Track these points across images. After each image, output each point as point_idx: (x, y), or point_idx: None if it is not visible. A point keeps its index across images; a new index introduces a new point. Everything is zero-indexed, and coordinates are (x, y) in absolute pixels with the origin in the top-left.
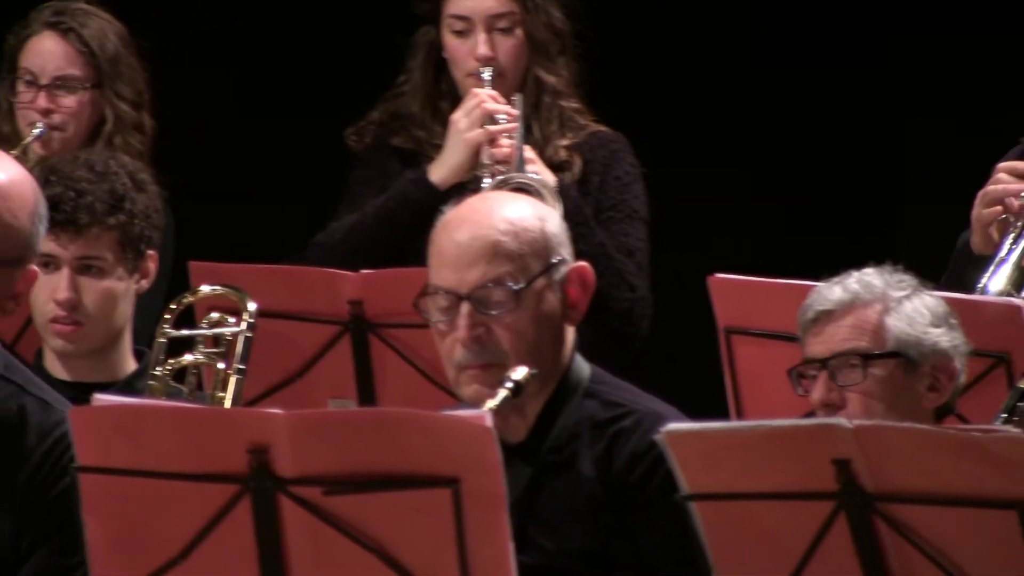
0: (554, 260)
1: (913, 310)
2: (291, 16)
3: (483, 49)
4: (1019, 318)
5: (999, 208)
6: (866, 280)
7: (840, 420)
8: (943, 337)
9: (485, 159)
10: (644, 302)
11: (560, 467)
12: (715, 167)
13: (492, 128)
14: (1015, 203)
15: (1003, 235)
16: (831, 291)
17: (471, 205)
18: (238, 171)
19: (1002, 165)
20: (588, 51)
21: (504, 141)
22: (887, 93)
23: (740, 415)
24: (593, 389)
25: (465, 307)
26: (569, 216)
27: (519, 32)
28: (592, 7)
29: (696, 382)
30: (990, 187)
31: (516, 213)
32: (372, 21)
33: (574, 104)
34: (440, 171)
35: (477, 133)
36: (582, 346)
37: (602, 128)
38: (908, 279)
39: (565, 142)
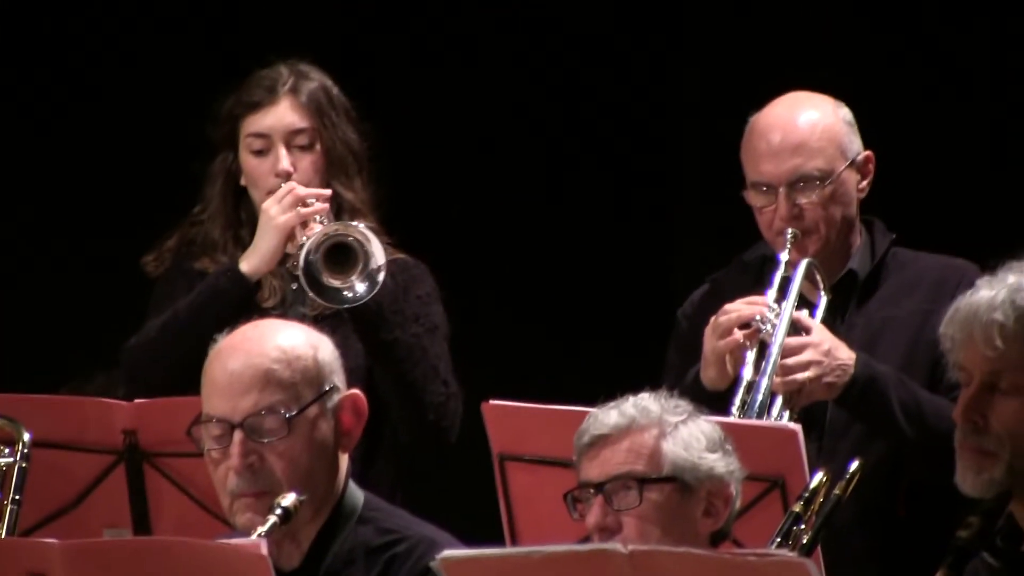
0: (327, 388)
1: (689, 435)
2: (88, 138)
3: (283, 164)
4: (794, 442)
5: (736, 337)
6: (642, 405)
7: (616, 544)
8: (719, 462)
9: (298, 244)
10: (457, 399)
11: None
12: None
13: (304, 211)
14: (751, 327)
15: (738, 362)
16: (608, 415)
17: (243, 333)
18: (23, 295)
19: (730, 305)
20: (383, 174)
21: (315, 226)
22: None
23: (515, 541)
24: (367, 515)
25: (238, 435)
26: (385, 306)
27: (318, 148)
28: (388, 133)
29: (470, 508)
30: (721, 319)
31: (288, 341)
32: (165, 147)
33: (372, 224)
34: (251, 260)
35: (289, 216)
36: (395, 450)
37: (400, 255)
38: (684, 404)
39: None
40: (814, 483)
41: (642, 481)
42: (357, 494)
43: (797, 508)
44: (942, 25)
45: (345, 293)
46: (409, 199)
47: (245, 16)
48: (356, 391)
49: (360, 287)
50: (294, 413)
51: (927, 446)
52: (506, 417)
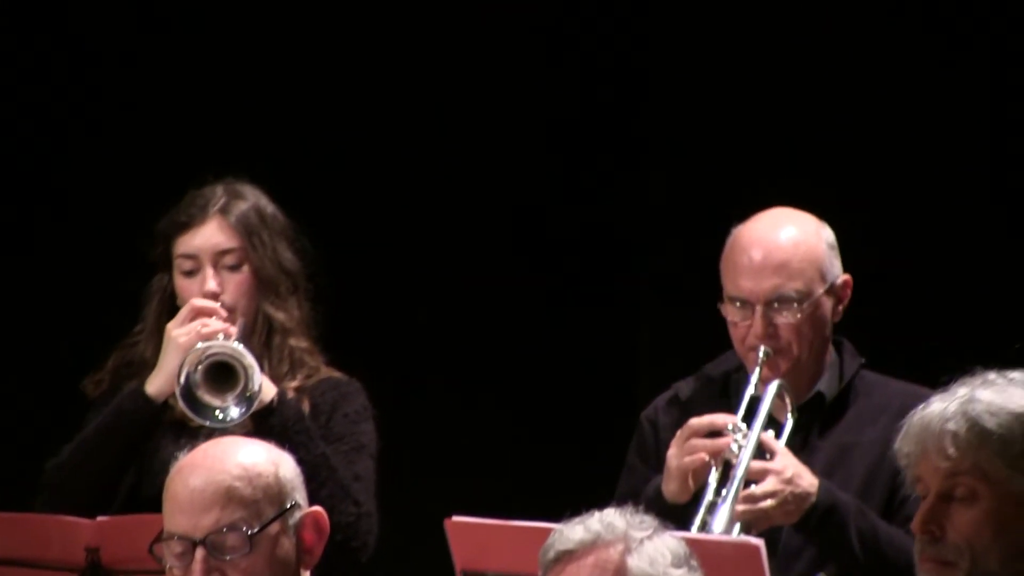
0: (288, 505)
1: (655, 550)
2: (20, 262)
3: (209, 285)
4: (757, 558)
5: (702, 456)
6: (608, 520)
7: None
8: None
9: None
10: (370, 518)
11: None
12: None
13: (204, 330)
14: (718, 447)
15: (700, 479)
16: (573, 531)
17: (204, 450)
18: None
19: (695, 421)
20: (320, 294)
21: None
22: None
23: None
24: None
25: (200, 552)
26: (289, 425)
27: (246, 268)
28: (327, 253)
29: None
30: (692, 441)
31: (250, 459)
32: (108, 268)
33: (304, 344)
34: (155, 381)
35: (190, 337)
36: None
37: (335, 373)
38: (649, 520)
39: (295, 383)
40: None
41: None
42: None
43: None
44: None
45: (217, 413)
46: (355, 314)
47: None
48: (318, 508)
49: (234, 410)
50: (256, 530)
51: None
52: (469, 533)
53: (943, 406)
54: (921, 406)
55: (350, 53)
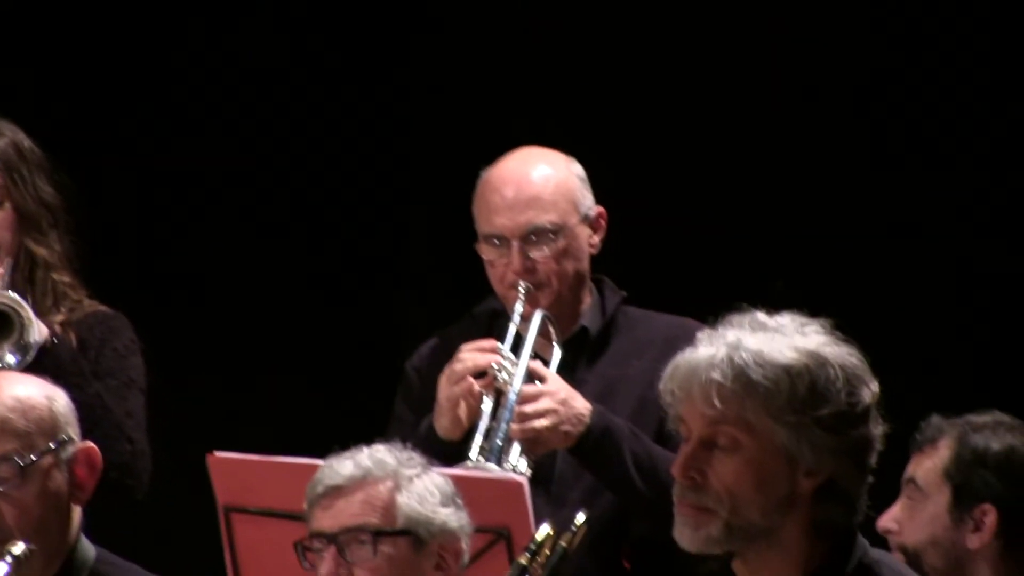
0: (62, 438)
1: (424, 488)
2: None
3: None
4: (519, 494)
5: (471, 382)
6: (378, 457)
7: None
8: (451, 517)
9: None
10: (144, 456)
11: None
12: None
13: None
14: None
15: (472, 411)
16: (342, 466)
17: None
18: None
19: (465, 345)
20: (81, 227)
21: None
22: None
23: None
24: (99, 569)
25: None
26: (63, 366)
27: (8, 205)
28: (82, 186)
29: (197, 561)
30: (456, 366)
31: (24, 392)
32: None
33: (67, 278)
34: None
35: None
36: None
37: (101, 307)
38: (418, 457)
39: (60, 317)
40: (540, 535)
41: (376, 534)
42: (89, 548)
43: (523, 560)
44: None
45: None
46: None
47: None
48: (91, 444)
49: (10, 358)
50: (29, 462)
51: (656, 500)
52: (232, 469)
53: (711, 351)
54: (689, 348)
55: None
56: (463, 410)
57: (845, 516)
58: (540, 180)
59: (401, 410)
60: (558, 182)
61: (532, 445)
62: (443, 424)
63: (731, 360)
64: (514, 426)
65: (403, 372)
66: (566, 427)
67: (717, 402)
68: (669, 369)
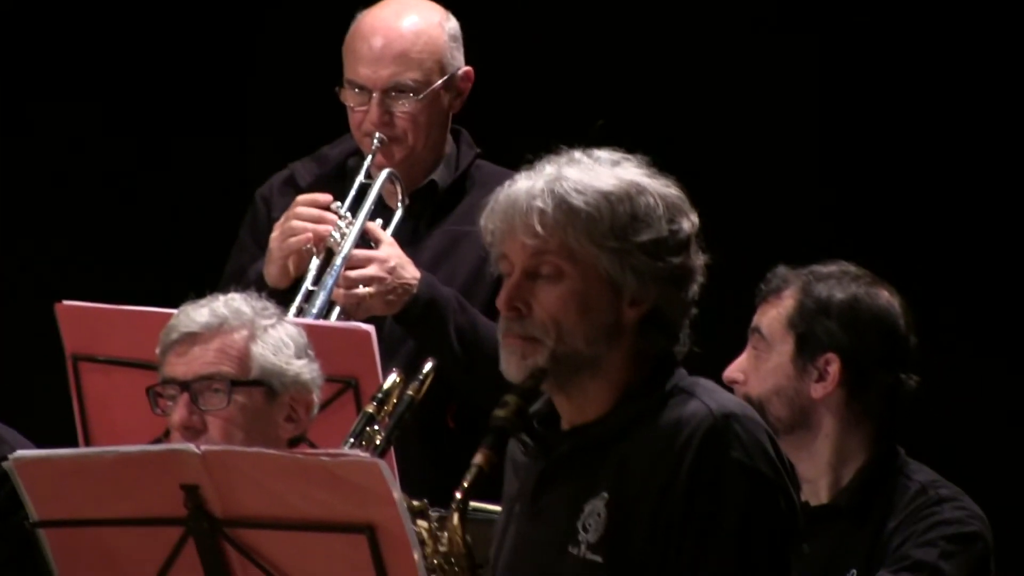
0: None
1: (279, 339)
2: None
3: None
4: (367, 343)
5: (306, 236)
6: (234, 306)
7: (188, 445)
8: (304, 368)
9: None
10: None
11: None
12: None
13: None
14: (320, 231)
15: (303, 265)
16: (198, 313)
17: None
18: None
19: (301, 198)
20: None
21: None
22: None
23: (89, 442)
24: None
25: None
26: None
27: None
28: None
29: (44, 410)
30: (292, 223)
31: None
32: None
33: None
34: None
35: None
36: None
37: None
38: (272, 307)
39: None
40: (387, 384)
41: (231, 383)
42: None
43: (370, 409)
44: None
45: None
46: None
47: None
48: None
49: None
50: None
51: (477, 371)
52: (80, 317)
53: (530, 183)
54: (507, 182)
55: None
56: (291, 263)
57: (667, 345)
58: (410, 35)
59: (245, 237)
60: (429, 39)
61: (354, 311)
62: (271, 272)
63: (552, 190)
64: (338, 290)
65: (252, 200)
66: (390, 296)
67: (540, 228)
68: (489, 206)
